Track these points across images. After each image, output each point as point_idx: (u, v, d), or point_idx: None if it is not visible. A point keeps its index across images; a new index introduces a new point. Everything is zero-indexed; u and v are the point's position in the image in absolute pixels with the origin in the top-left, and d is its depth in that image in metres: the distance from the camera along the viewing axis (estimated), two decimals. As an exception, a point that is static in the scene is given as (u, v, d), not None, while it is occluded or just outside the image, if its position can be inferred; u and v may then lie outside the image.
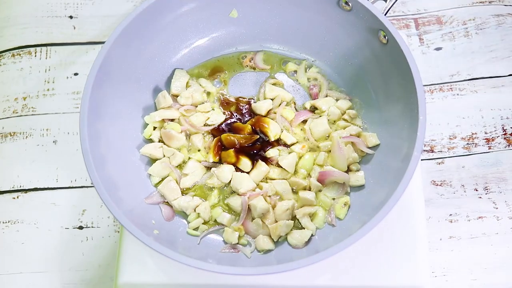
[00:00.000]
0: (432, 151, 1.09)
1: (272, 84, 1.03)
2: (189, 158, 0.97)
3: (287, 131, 0.99)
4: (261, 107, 1.00)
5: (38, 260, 1.05)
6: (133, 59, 0.98)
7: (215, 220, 0.94)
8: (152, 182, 0.97)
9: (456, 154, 1.09)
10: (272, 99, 1.02)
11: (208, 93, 1.03)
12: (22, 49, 1.22)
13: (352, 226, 0.87)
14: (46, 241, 1.06)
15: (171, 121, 1.00)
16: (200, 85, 1.03)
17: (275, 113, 1.00)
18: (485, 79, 1.15)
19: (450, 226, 1.04)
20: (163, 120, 1.00)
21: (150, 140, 0.99)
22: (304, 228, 0.92)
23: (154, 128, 1.00)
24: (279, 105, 1.01)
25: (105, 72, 0.91)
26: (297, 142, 0.98)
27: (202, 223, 0.94)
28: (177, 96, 1.02)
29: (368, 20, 0.93)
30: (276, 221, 0.92)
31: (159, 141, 0.99)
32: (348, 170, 0.95)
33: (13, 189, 1.10)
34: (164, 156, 0.98)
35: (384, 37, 0.92)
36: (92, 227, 1.06)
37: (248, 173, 0.95)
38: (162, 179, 0.97)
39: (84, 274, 1.03)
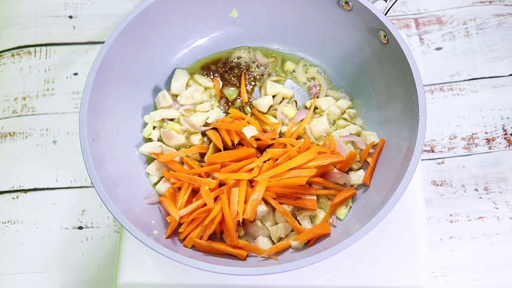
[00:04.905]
0: (433, 151, 1.09)
1: (273, 81, 1.03)
2: (187, 156, 0.97)
3: (288, 127, 0.99)
4: (262, 104, 1.00)
5: (38, 260, 1.04)
6: (133, 58, 0.98)
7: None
8: (150, 181, 0.96)
9: (456, 154, 1.09)
10: (273, 96, 1.02)
11: (206, 89, 1.03)
12: (22, 49, 1.21)
13: (352, 226, 0.87)
14: (45, 241, 1.06)
15: (171, 120, 1.00)
16: (196, 81, 1.03)
17: (276, 110, 1.00)
18: (486, 79, 1.15)
19: (451, 226, 1.04)
20: (163, 120, 1.00)
21: (150, 140, 0.99)
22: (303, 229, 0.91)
23: (154, 127, 1.00)
24: (280, 102, 1.01)
25: (105, 71, 0.91)
26: (297, 140, 0.98)
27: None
28: (177, 96, 1.02)
29: (368, 20, 0.93)
30: (276, 223, 0.92)
31: (158, 140, 0.99)
32: (349, 170, 0.95)
33: (12, 189, 1.10)
34: None
35: (385, 36, 0.92)
36: (91, 227, 1.06)
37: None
38: (161, 178, 0.97)
39: (84, 274, 1.03)
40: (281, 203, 0.91)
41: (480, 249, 1.02)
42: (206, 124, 0.99)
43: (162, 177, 0.96)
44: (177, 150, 0.98)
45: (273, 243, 0.91)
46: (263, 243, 0.90)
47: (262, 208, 0.91)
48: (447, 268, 1.01)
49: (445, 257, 1.02)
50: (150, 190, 0.96)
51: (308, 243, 0.89)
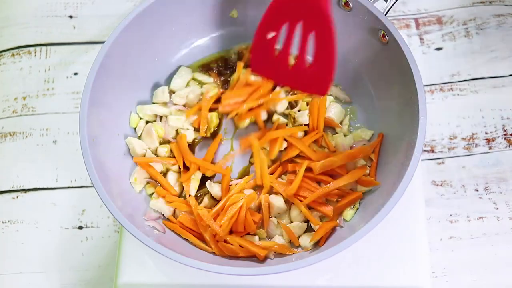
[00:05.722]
0: (433, 151, 1.09)
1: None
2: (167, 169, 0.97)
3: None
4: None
5: (38, 260, 1.04)
6: (133, 58, 0.98)
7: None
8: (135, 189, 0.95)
9: (456, 154, 1.09)
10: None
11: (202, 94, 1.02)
12: (22, 49, 1.21)
13: (355, 226, 0.87)
14: (45, 241, 1.06)
15: (160, 121, 0.99)
16: (195, 79, 1.03)
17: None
18: (486, 79, 1.15)
19: (451, 226, 1.04)
20: (155, 116, 0.99)
21: (135, 130, 0.99)
22: (314, 231, 0.91)
23: (144, 120, 0.99)
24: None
25: (105, 71, 0.91)
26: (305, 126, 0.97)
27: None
28: (174, 92, 1.01)
29: (369, 20, 0.93)
30: (291, 222, 0.92)
31: (141, 134, 0.98)
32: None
33: (12, 189, 1.10)
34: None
35: (385, 37, 0.92)
36: (92, 227, 1.06)
37: None
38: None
39: (84, 274, 1.03)
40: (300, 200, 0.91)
41: (480, 249, 1.02)
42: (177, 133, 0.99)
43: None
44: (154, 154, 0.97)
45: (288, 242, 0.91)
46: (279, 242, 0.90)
47: (281, 204, 0.90)
48: (447, 268, 1.01)
49: (445, 257, 1.02)
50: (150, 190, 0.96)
51: (319, 243, 0.89)
